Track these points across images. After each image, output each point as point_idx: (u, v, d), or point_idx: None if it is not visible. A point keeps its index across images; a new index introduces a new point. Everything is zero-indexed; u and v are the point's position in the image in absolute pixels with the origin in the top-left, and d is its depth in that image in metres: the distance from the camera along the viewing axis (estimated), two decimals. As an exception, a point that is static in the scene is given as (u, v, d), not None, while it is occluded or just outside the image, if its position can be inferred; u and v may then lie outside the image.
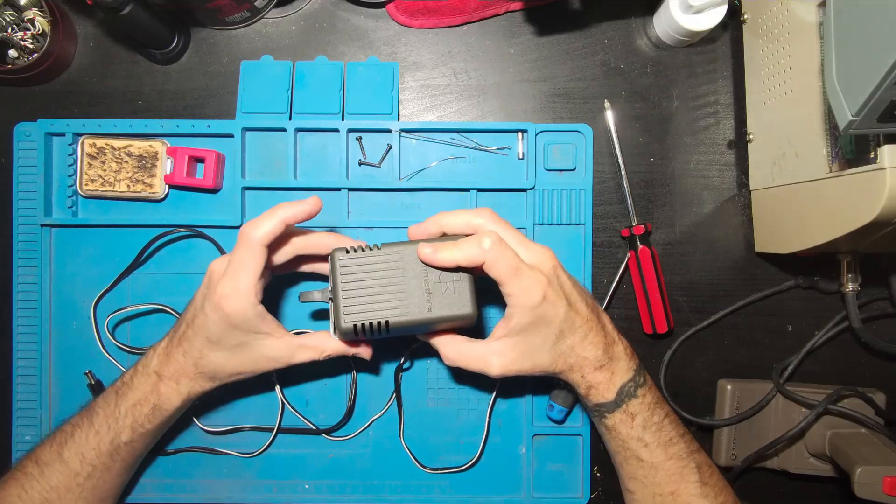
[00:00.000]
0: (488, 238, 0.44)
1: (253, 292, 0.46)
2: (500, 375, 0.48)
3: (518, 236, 0.47)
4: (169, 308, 0.58)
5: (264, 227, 0.45)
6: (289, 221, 0.46)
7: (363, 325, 0.46)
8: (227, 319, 0.46)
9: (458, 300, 0.46)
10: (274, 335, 0.48)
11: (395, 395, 0.59)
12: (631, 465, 0.50)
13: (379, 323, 0.46)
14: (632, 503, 0.51)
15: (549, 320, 0.45)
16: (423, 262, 0.46)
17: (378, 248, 0.47)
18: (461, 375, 0.60)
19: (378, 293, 0.46)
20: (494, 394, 0.59)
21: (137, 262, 0.58)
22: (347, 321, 0.46)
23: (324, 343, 0.50)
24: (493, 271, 0.44)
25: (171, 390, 0.49)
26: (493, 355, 0.47)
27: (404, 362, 0.59)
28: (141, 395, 0.49)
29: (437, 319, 0.46)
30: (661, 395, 0.51)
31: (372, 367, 0.60)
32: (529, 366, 0.48)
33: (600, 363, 0.48)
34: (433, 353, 0.59)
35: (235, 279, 0.45)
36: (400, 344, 0.59)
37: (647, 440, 0.49)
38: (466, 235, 0.46)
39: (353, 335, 0.46)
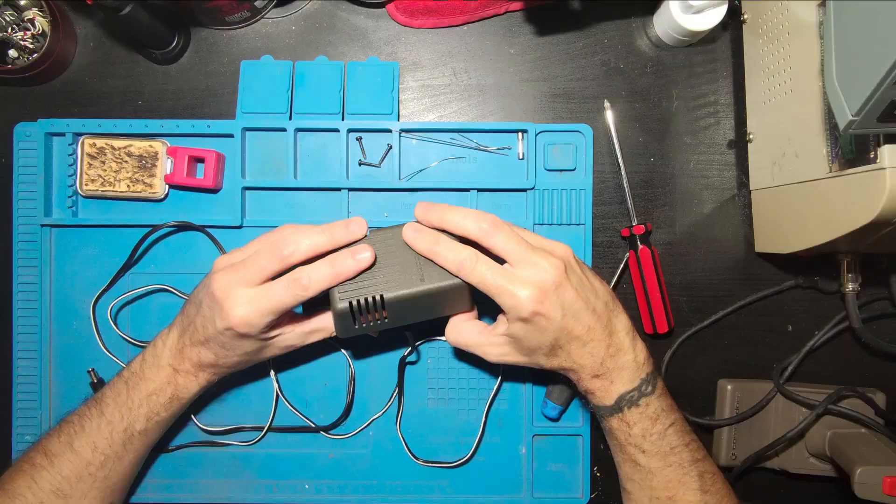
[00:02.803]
0: (469, 260, 0.45)
1: (271, 323, 0.47)
2: (497, 363, 0.50)
3: (521, 246, 0.45)
4: (172, 288, 0.59)
5: (320, 282, 0.45)
6: (340, 282, 0.46)
7: (358, 302, 0.46)
8: (239, 337, 0.47)
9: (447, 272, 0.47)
10: (286, 331, 0.50)
11: (397, 388, 0.59)
12: (628, 467, 0.50)
13: (374, 299, 0.46)
14: (629, 502, 0.51)
15: (543, 329, 0.45)
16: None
17: (366, 235, 0.48)
18: (461, 373, 0.60)
19: (370, 273, 0.47)
20: (493, 392, 0.59)
21: (132, 261, 0.58)
22: (342, 299, 0.46)
23: (329, 322, 0.51)
24: (475, 285, 0.46)
25: (190, 381, 0.50)
26: (489, 346, 0.49)
27: (410, 353, 0.58)
28: (156, 385, 0.50)
29: (430, 291, 0.47)
30: (671, 403, 0.49)
31: (372, 364, 0.60)
32: (526, 361, 0.49)
33: (596, 372, 0.47)
34: (433, 352, 0.60)
35: (260, 312, 0.45)
36: (404, 340, 0.59)
37: (645, 448, 0.48)
38: None
39: (350, 317, 0.47)
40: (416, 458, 0.59)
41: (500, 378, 0.59)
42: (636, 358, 0.48)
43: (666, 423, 0.48)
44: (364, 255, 0.46)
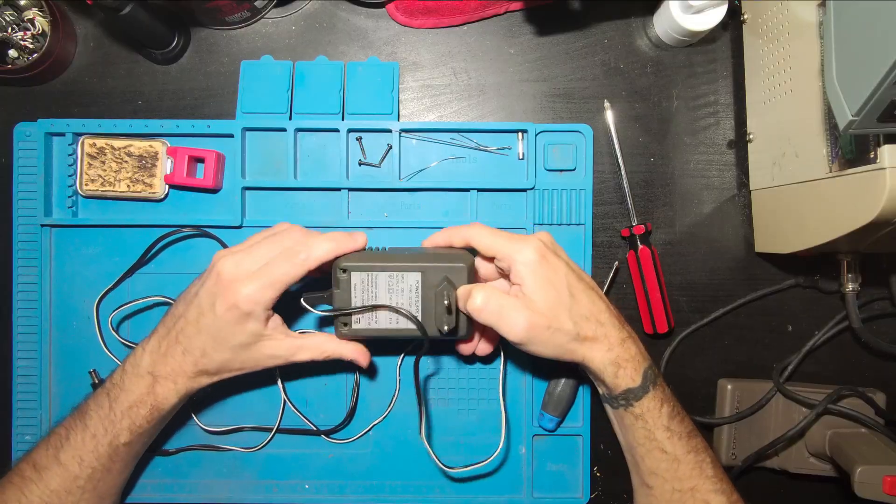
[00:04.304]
0: (475, 225, 0.50)
1: (273, 301, 0.47)
2: (523, 335, 0.45)
3: (506, 233, 0.50)
4: (173, 301, 0.58)
5: (320, 250, 0.47)
6: (340, 254, 0.49)
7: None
8: (240, 320, 0.47)
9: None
10: (277, 336, 0.49)
11: (417, 394, 0.54)
12: (653, 458, 0.49)
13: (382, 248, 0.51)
14: (648, 498, 0.50)
15: (555, 269, 0.47)
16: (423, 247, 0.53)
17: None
18: (461, 373, 0.60)
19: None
20: (501, 376, 0.59)
21: (143, 261, 0.58)
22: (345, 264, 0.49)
23: (323, 344, 0.51)
24: (481, 245, 0.49)
25: (169, 390, 0.49)
26: (516, 311, 0.45)
27: (423, 351, 0.56)
28: (136, 397, 0.49)
29: (430, 251, 0.51)
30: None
31: (373, 367, 0.60)
32: (552, 321, 0.45)
33: (622, 336, 0.48)
34: (433, 351, 0.60)
35: (264, 286, 0.46)
36: (404, 345, 0.59)
37: (673, 429, 0.48)
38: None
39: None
40: (449, 468, 0.56)
41: (503, 358, 0.58)
42: (637, 338, 0.50)
43: (678, 405, 0.50)
44: (361, 238, 0.50)
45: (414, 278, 0.49)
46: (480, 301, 0.46)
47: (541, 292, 0.46)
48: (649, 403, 0.48)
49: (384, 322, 0.50)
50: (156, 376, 0.49)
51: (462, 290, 0.48)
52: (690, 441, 0.49)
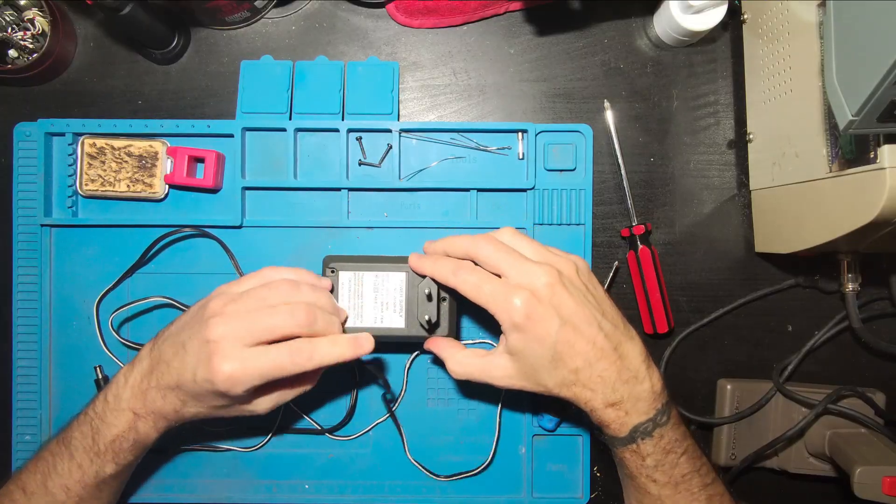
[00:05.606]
0: (463, 269, 0.46)
1: (254, 386, 0.45)
2: (505, 387, 0.47)
3: (510, 255, 0.45)
4: (175, 301, 0.58)
5: (324, 356, 0.45)
6: (343, 361, 0.46)
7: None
8: (224, 396, 0.45)
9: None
10: (256, 398, 0.48)
11: (389, 415, 0.58)
12: (639, 493, 0.48)
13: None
14: None
15: (541, 339, 0.43)
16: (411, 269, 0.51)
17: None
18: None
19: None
20: (502, 399, 0.59)
21: (143, 261, 0.58)
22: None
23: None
24: (468, 296, 0.46)
25: (150, 428, 0.48)
26: (494, 368, 0.47)
27: (387, 393, 0.58)
28: (118, 431, 0.47)
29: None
30: (684, 431, 0.47)
31: (372, 367, 0.60)
32: (532, 385, 0.46)
33: (610, 400, 0.44)
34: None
35: (249, 374, 0.43)
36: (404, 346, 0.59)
37: (657, 478, 0.46)
38: None
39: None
40: (437, 476, 0.58)
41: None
42: (653, 388, 0.45)
43: (679, 452, 0.46)
44: (368, 345, 0.47)
45: (399, 278, 0.51)
46: (460, 373, 0.48)
47: (520, 350, 0.45)
48: (630, 455, 0.46)
49: (369, 321, 0.51)
50: (137, 414, 0.47)
51: (434, 345, 0.51)
52: (681, 485, 0.46)
